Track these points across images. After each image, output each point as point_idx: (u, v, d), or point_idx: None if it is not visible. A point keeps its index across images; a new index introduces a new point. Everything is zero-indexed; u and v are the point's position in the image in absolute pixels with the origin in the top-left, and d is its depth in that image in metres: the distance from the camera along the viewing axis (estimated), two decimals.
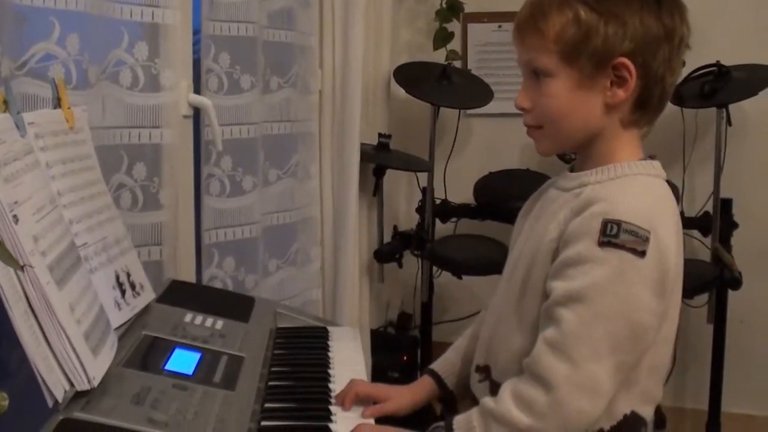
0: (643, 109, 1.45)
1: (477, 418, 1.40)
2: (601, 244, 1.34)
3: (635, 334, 1.35)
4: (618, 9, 1.40)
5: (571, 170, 1.53)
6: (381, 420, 1.56)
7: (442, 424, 1.44)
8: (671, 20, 1.42)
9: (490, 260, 3.01)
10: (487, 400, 1.41)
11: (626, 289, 1.34)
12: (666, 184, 1.48)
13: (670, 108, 3.11)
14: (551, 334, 1.36)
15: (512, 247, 1.60)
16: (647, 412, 1.46)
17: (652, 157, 1.48)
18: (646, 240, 1.33)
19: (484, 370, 1.55)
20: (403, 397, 1.64)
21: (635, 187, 1.43)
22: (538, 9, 1.43)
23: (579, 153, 1.52)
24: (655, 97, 1.45)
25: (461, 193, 3.57)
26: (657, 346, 1.42)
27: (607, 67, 1.41)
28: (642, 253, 1.33)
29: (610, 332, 1.34)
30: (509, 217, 1.64)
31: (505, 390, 1.39)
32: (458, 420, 1.42)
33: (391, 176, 3.38)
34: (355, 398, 1.58)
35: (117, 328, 1.48)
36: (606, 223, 1.34)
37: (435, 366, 1.72)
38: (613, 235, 1.33)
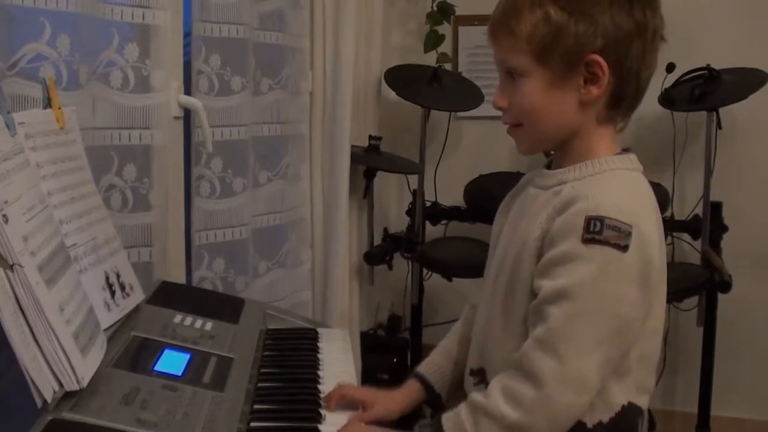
0: (618, 104, 1.46)
1: (466, 414, 1.40)
2: (586, 241, 1.35)
3: (621, 328, 1.37)
4: (588, 7, 1.40)
5: (548, 167, 1.53)
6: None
7: (429, 421, 1.44)
8: (642, 15, 1.42)
9: (480, 262, 2.99)
10: (476, 395, 1.42)
11: (611, 285, 1.35)
12: (643, 176, 1.49)
13: (660, 111, 3.18)
14: (539, 331, 1.37)
15: (494, 246, 1.61)
16: (643, 402, 1.47)
17: (626, 150, 1.49)
18: (629, 234, 1.35)
19: (479, 374, 1.55)
20: (391, 401, 1.64)
21: (616, 183, 1.44)
22: (511, 9, 1.44)
23: (556, 150, 1.53)
24: (629, 92, 1.45)
25: (451, 195, 3.58)
26: (645, 337, 1.43)
27: (580, 65, 1.41)
28: (625, 248, 1.34)
29: (596, 328, 1.35)
30: None
31: (495, 385, 1.40)
32: (447, 416, 1.43)
33: (381, 178, 3.38)
34: (341, 399, 1.58)
35: (106, 329, 1.48)
36: (589, 220, 1.35)
37: (421, 369, 1.72)
38: (597, 231, 1.34)
